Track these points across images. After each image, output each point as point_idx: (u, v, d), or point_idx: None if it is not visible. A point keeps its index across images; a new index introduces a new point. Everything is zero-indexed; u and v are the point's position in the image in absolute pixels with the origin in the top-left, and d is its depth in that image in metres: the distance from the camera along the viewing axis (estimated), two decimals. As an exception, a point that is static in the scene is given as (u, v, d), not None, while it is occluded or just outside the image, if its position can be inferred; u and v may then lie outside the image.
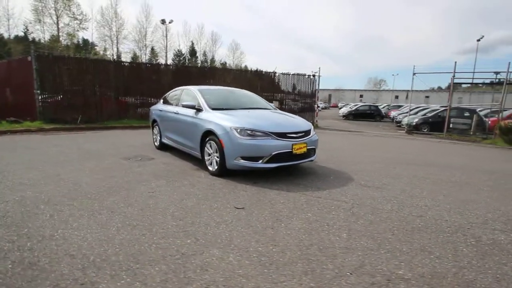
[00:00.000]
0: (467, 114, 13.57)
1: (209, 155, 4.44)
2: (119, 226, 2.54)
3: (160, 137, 6.22)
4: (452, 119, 12.69)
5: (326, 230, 2.56)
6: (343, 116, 24.45)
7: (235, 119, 4.20)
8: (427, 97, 60.37)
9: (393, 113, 22.37)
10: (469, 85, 15.19)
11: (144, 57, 48.62)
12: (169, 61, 48.95)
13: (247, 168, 3.98)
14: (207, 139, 4.42)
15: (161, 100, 6.64)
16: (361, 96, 66.22)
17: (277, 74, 15.01)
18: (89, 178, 4.03)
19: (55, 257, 2.03)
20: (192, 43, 58.08)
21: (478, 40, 32.77)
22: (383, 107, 27.52)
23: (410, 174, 4.72)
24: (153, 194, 3.43)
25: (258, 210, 2.98)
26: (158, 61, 47.51)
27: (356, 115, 23.48)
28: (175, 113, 5.44)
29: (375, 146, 8.25)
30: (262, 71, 14.78)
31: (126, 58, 44.12)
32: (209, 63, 53.99)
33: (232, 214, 2.87)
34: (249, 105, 5.23)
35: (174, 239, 2.33)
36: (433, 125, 14.15)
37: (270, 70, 14.70)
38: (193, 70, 14.71)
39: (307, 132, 4.33)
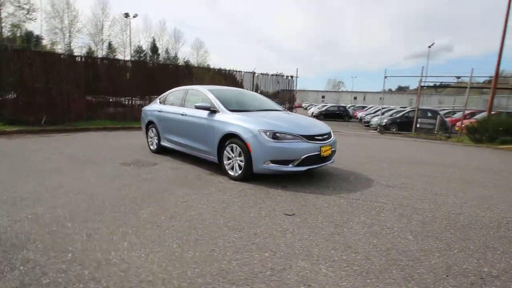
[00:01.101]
0: (430, 114, 14.86)
1: (229, 159, 4.24)
2: (179, 243, 2.28)
3: (159, 139, 5.80)
4: (419, 119, 13.78)
5: (390, 233, 2.58)
6: (314, 116, 25.24)
7: (259, 121, 4.05)
8: (381, 98, 64.90)
9: (359, 114, 23.67)
10: (404, 87, 16.55)
11: (101, 53, 45.29)
12: (129, 58, 46.14)
13: (276, 172, 3.87)
14: (227, 142, 4.21)
15: (158, 100, 6.19)
16: (323, 97, 69.03)
17: (256, 75, 14.98)
18: (100, 188, 3.59)
19: (131, 287, 1.75)
20: (154, 40, 55.54)
21: (429, 47, 36.34)
22: (349, 108, 28.97)
23: (417, 173, 4.98)
24: (187, 203, 3.16)
25: (310, 216, 2.90)
26: (116, 57, 44.64)
27: (326, 115, 24.38)
28: (182, 114, 5.10)
29: (362, 146, 8.61)
30: (241, 71, 14.62)
31: (80, 53, 40.63)
32: (171, 61, 52.05)
33: (288, 222, 2.75)
34: (261, 106, 5.10)
35: (250, 253, 2.15)
36: (401, 125, 15.26)
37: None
38: (171, 69, 13.99)
39: (329, 134, 4.34)
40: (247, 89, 14.92)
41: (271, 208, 3.09)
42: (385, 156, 6.74)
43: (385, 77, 14.19)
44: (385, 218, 2.92)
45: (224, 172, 4.38)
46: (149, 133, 6.19)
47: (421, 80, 13.29)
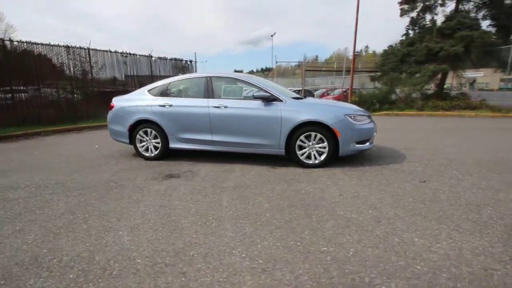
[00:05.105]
0: (308, 94, 18.21)
1: (301, 148, 4.15)
2: (451, 228, 2.40)
3: (165, 142, 4.61)
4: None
5: (506, 177, 3.53)
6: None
7: (334, 106, 4.27)
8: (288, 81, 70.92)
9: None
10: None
11: None
12: None
13: (358, 151, 4.20)
14: (299, 131, 4.09)
15: (145, 92, 4.76)
16: (177, 82, 67.59)
17: (153, 58, 13.18)
18: (222, 212, 2.80)
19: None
20: None
21: (272, 36, 42.28)
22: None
23: (401, 136, 6.44)
24: (348, 197, 3.07)
25: (439, 179, 3.52)
26: None
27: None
28: (217, 107, 4.30)
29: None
30: (136, 55, 12.44)
31: None
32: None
33: (437, 186, 3.27)
34: (295, 94, 5.07)
35: (491, 209, 2.60)
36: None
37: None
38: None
39: (369, 115, 5.01)
40: (162, 75, 12.92)
41: (402, 181, 3.49)
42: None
43: (276, 62, 16.28)
44: (474, 169, 3.89)
45: (291, 162, 4.30)
46: (138, 136, 4.73)
47: (304, 64, 16.00)
